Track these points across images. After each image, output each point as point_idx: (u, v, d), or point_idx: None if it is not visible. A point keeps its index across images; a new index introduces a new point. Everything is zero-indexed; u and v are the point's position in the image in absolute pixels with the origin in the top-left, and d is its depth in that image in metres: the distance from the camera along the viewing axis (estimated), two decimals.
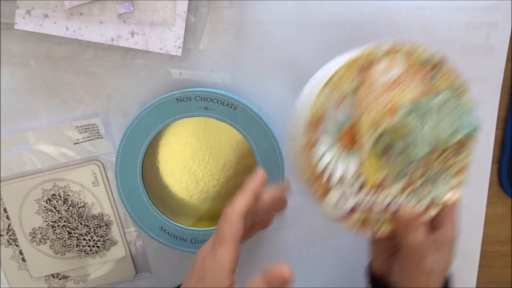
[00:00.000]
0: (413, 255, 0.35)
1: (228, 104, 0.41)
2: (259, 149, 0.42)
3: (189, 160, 0.45)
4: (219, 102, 0.41)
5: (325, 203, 0.34)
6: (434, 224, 0.36)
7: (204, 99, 0.41)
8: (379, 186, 0.34)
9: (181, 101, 0.41)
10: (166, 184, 0.46)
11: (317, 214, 0.38)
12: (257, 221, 0.41)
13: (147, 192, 0.44)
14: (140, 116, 0.42)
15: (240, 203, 0.34)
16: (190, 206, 0.46)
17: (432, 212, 0.35)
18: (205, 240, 0.43)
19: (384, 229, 0.35)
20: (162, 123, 0.42)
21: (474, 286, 0.50)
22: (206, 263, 0.33)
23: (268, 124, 0.42)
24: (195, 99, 0.41)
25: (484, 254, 0.50)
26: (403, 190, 0.34)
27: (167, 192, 0.46)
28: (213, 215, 0.46)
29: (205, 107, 0.41)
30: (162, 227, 0.44)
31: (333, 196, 0.34)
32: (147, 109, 0.42)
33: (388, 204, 0.34)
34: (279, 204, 0.39)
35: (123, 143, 0.43)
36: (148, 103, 0.42)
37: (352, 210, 0.34)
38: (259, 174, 0.36)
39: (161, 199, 0.46)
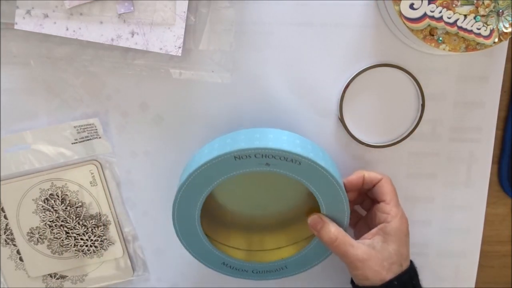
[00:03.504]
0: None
1: (292, 160, 0.38)
2: (324, 198, 0.41)
3: (248, 204, 0.46)
4: (282, 158, 0.38)
5: (401, 4, 0.38)
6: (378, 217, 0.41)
7: (265, 156, 0.38)
8: (451, 2, 0.38)
9: (239, 158, 0.38)
10: (226, 226, 0.46)
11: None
12: None
13: (206, 235, 0.43)
14: (196, 173, 0.39)
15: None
16: (249, 243, 0.46)
17: None
18: (267, 271, 0.45)
19: (446, 45, 0.39)
20: (220, 178, 0.39)
21: (474, 286, 0.50)
22: None
23: (335, 176, 0.39)
24: (255, 156, 0.38)
25: (484, 254, 0.50)
26: (471, 12, 0.38)
27: (226, 233, 0.46)
28: (272, 249, 0.46)
29: (267, 163, 0.38)
30: (224, 262, 0.44)
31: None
32: (203, 167, 0.38)
33: (455, 21, 0.38)
34: None
35: (178, 199, 0.40)
36: (203, 160, 0.38)
37: (423, 16, 0.38)
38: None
39: (221, 239, 0.45)
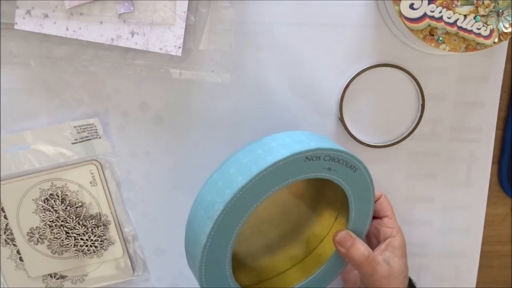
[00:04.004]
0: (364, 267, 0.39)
1: (350, 166, 0.38)
2: (356, 212, 0.40)
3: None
4: (343, 163, 0.37)
5: (401, 4, 0.38)
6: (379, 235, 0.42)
7: (331, 159, 0.36)
8: (451, 2, 0.38)
9: (310, 160, 0.36)
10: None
11: None
12: None
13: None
14: (260, 175, 0.34)
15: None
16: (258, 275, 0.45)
17: None
18: None
19: (446, 45, 0.39)
20: (286, 181, 0.36)
21: (474, 286, 0.50)
22: None
23: (374, 190, 0.40)
24: (324, 159, 0.36)
25: (484, 254, 0.50)
26: (471, 12, 0.38)
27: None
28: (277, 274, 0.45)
29: (329, 168, 0.37)
30: None
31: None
32: (272, 167, 0.34)
33: (455, 21, 0.38)
34: None
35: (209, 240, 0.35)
36: (268, 162, 0.34)
37: (423, 16, 0.38)
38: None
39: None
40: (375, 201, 0.42)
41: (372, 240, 0.44)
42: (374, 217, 0.43)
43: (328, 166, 0.37)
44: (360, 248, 0.39)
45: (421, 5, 0.38)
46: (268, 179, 0.34)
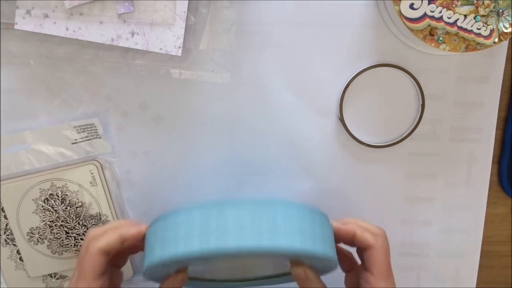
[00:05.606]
0: None
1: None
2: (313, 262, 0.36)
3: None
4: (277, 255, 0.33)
5: (401, 4, 0.38)
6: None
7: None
8: (451, 2, 0.38)
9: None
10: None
11: None
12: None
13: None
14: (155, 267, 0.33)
15: (105, 242, 0.35)
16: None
17: None
18: None
19: (446, 45, 0.39)
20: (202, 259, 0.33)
21: (474, 286, 0.50)
22: None
23: (332, 257, 0.34)
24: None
25: (484, 254, 0.50)
26: (471, 12, 0.38)
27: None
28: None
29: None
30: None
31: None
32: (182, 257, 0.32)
33: (455, 21, 0.38)
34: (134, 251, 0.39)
35: (147, 272, 0.35)
36: (165, 254, 0.33)
37: (423, 16, 0.38)
38: (138, 227, 0.36)
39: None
40: (366, 249, 0.37)
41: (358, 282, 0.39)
42: (363, 266, 0.38)
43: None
44: None
45: (421, 5, 0.38)
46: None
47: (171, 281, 0.37)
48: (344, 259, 0.41)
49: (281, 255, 0.32)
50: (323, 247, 0.33)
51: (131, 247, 0.38)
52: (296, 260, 0.36)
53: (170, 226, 0.33)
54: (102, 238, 0.35)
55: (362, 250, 0.37)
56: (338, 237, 0.37)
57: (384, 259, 0.37)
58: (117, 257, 0.39)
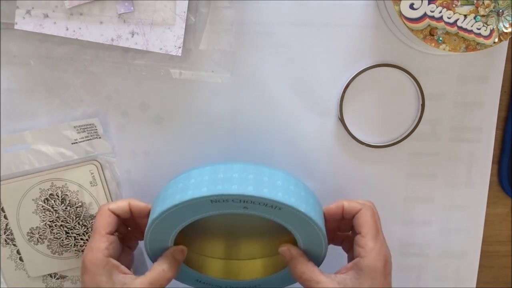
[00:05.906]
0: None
1: (272, 206, 0.36)
2: (302, 236, 0.39)
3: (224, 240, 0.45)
4: (262, 204, 0.36)
5: (401, 4, 0.38)
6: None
7: (244, 201, 0.36)
8: (451, 2, 0.38)
9: (216, 202, 0.36)
10: (202, 235, 0.45)
11: None
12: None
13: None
14: (167, 212, 0.37)
15: (115, 204, 0.40)
16: (226, 251, 0.46)
17: None
18: None
19: (446, 45, 0.39)
20: (194, 216, 0.38)
21: (474, 286, 0.50)
22: (86, 254, 0.38)
23: (317, 222, 0.37)
24: (232, 201, 0.36)
25: (484, 254, 0.50)
26: (471, 12, 0.38)
27: (201, 242, 0.45)
28: (248, 259, 0.46)
29: (245, 207, 0.37)
30: (197, 279, 0.44)
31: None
32: (177, 207, 0.36)
33: (455, 21, 0.38)
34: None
35: (149, 233, 0.39)
36: (176, 200, 0.36)
37: (423, 16, 0.38)
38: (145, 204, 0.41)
39: (196, 248, 0.45)
40: (355, 214, 0.39)
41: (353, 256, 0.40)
42: (353, 231, 0.40)
43: (243, 206, 0.36)
44: (296, 266, 0.38)
45: (421, 5, 0.39)
46: (184, 210, 0.37)
47: (171, 251, 0.40)
48: (343, 240, 0.43)
49: (277, 205, 0.36)
50: (314, 212, 0.37)
51: (138, 224, 0.41)
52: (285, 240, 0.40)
53: (181, 179, 0.38)
54: (112, 202, 0.40)
55: (352, 220, 0.39)
56: (329, 216, 0.40)
57: (372, 220, 0.38)
58: (128, 237, 0.43)
